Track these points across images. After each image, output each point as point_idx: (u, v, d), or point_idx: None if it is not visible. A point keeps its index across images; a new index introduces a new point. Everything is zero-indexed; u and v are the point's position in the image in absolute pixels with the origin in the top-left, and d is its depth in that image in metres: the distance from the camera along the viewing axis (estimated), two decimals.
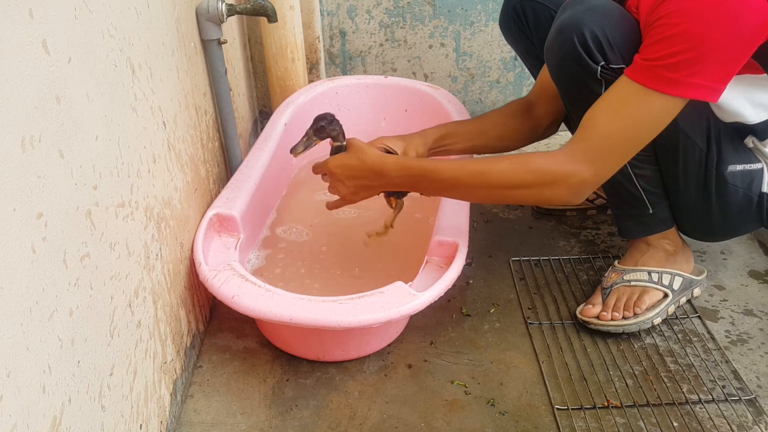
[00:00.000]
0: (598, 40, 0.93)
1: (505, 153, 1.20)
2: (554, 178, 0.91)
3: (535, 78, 1.38)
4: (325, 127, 1.01)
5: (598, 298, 1.14)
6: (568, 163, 0.91)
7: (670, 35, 0.83)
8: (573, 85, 1.01)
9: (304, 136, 1.03)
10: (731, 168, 1.01)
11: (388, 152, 1.07)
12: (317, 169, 1.06)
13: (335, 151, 1.04)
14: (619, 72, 0.95)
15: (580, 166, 0.90)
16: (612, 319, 1.09)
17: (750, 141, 1.02)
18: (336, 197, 1.08)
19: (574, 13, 0.96)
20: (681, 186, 1.05)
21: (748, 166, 1.02)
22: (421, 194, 1.04)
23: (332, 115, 1.03)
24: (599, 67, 0.95)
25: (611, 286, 1.13)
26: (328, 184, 1.07)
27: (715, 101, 0.86)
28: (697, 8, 0.81)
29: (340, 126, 1.03)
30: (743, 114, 0.97)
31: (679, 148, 1.00)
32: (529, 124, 1.20)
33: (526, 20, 1.24)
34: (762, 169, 1.03)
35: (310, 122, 1.04)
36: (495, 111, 1.23)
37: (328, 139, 1.04)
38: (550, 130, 1.23)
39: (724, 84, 0.85)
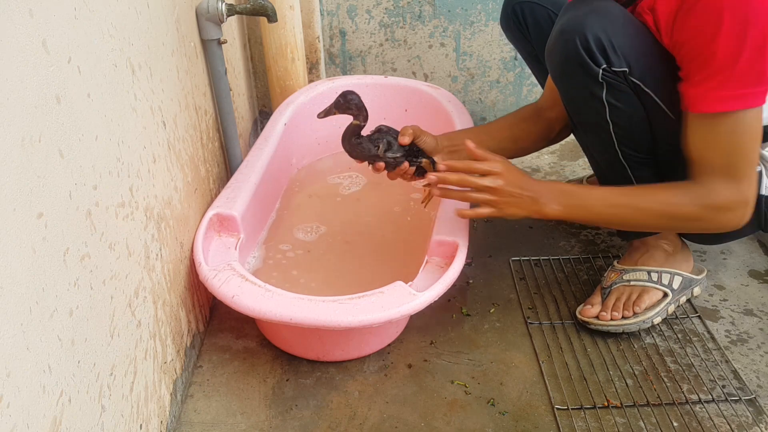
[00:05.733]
0: (601, 42, 0.93)
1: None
2: (722, 210, 0.95)
3: (537, 78, 1.38)
4: (341, 102, 1.05)
5: (597, 298, 1.14)
6: (727, 196, 0.94)
7: (727, 63, 0.84)
8: (574, 88, 1.00)
9: (329, 105, 1.07)
10: None
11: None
12: (478, 163, 0.99)
13: (354, 129, 1.05)
14: (621, 75, 0.94)
15: (738, 195, 0.94)
16: (612, 319, 1.09)
17: None
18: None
19: (576, 15, 0.96)
20: None
21: None
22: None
23: (354, 96, 1.05)
24: (601, 70, 0.94)
25: (611, 285, 1.13)
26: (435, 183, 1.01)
27: None
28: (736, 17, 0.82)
29: (359, 107, 1.05)
30: None
31: (679, 152, 1.00)
32: (541, 126, 1.19)
33: (525, 21, 1.24)
34: (761, 173, 1.03)
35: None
36: (504, 116, 1.22)
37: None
38: (563, 134, 1.22)
39: None
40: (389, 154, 1.06)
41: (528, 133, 1.19)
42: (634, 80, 0.95)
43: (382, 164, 1.07)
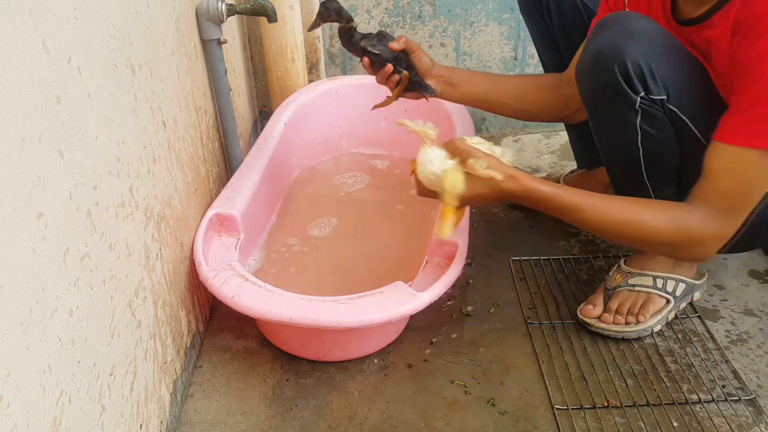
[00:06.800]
0: (641, 69, 0.89)
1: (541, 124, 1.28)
2: (694, 240, 0.93)
3: (542, 61, 1.35)
4: (323, 11, 1.08)
5: (599, 299, 1.13)
6: (706, 227, 0.91)
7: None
8: (606, 113, 0.97)
9: (314, 18, 1.11)
10: None
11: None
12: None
13: (341, 31, 1.10)
14: (658, 102, 0.91)
15: (718, 229, 0.91)
16: (614, 323, 1.09)
17: None
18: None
19: (615, 38, 0.91)
20: None
21: None
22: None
23: (333, 3, 1.08)
24: (639, 98, 0.91)
25: (615, 288, 1.13)
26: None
27: None
28: None
29: (338, 11, 1.08)
30: None
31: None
32: (556, 99, 1.16)
33: (547, 4, 1.22)
34: None
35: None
36: (523, 75, 1.19)
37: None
38: (581, 114, 1.16)
39: None
40: (369, 48, 1.09)
41: (539, 99, 1.17)
42: (671, 107, 0.92)
43: (368, 60, 1.10)
